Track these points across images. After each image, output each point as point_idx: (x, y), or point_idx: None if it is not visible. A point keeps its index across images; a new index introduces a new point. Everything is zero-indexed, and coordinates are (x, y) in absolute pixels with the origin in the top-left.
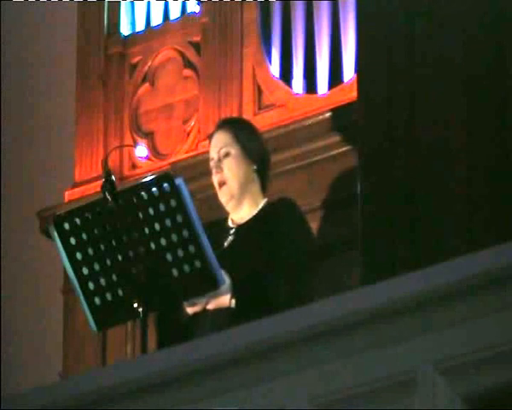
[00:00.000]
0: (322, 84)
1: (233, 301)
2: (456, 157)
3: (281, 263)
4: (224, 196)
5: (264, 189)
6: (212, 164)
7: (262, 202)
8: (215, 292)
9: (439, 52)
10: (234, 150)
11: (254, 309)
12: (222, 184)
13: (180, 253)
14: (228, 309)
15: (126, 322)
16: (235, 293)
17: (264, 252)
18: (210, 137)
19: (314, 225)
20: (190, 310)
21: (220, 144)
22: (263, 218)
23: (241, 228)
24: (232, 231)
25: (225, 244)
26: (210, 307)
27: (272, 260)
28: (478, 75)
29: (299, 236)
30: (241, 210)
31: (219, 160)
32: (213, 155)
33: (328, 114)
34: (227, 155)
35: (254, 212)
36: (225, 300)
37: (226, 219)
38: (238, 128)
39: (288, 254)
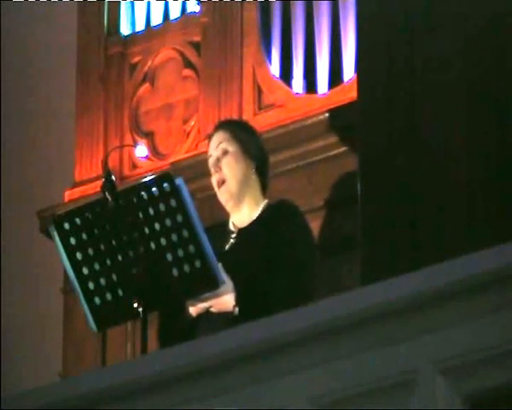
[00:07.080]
0: (322, 84)
1: (236, 309)
2: (456, 157)
3: (282, 266)
4: (223, 195)
5: (264, 190)
6: (210, 163)
7: (262, 204)
8: (218, 292)
9: (439, 53)
10: (232, 148)
11: (256, 313)
12: (221, 183)
13: (180, 253)
14: (231, 315)
15: (126, 322)
16: (238, 299)
17: (266, 255)
18: (208, 138)
19: (314, 225)
20: (193, 311)
21: (218, 141)
22: (264, 221)
23: (242, 231)
24: (233, 235)
25: (227, 247)
26: (213, 309)
27: (274, 263)
28: (478, 75)
29: (301, 238)
30: (241, 212)
31: (218, 159)
32: (212, 152)
33: (327, 114)
34: (226, 152)
35: (255, 214)
36: (228, 303)
37: (227, 223)
38: (236, 127)
39: (290, 257)
